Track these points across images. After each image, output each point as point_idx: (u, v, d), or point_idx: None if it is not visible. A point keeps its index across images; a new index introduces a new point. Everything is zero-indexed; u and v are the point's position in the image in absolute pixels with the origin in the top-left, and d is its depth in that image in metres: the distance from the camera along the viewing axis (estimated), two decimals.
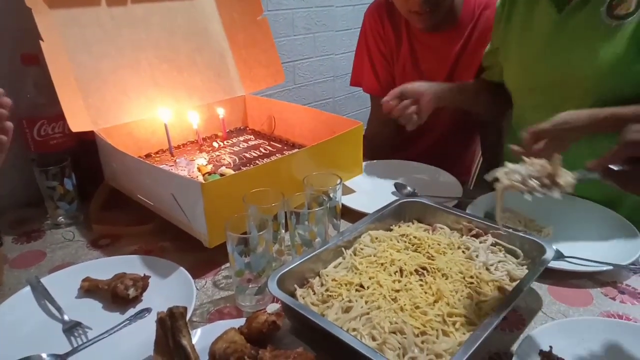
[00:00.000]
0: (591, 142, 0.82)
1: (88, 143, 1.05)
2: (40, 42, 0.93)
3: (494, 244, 0.82)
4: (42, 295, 0.76)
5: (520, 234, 0.81)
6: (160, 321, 0.58)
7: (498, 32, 1.10)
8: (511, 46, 1.05)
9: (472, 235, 0.84)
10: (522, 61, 1.03)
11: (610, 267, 0.79)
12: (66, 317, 0.72)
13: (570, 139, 0.82)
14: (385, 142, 1.44)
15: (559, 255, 0.82)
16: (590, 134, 0.84)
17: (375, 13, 1.32)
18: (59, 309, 0.74)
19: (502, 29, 1.08)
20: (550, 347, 0.61)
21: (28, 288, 0.77)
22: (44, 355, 0.64)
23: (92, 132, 1.02)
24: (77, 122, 0.98)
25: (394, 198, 0.95)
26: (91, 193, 1.06)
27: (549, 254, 0.75)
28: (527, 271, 0.75)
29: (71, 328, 0.70)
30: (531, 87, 1.02)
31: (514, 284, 0.72)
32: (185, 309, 0.59)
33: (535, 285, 0.78)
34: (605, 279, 0.81)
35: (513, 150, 0.80)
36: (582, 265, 0.81)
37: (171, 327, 0.58)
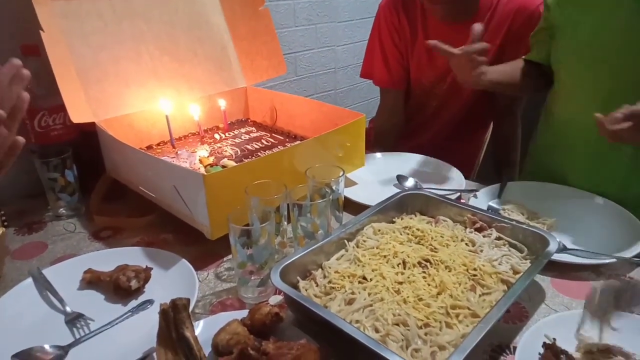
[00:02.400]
0: None
1: (89, 134, 1.04)
2: (41, 32, 0.92)
3: (498, 238, 0.81)
4: (44, 286, 0.76)
5: (524, 226, 0.81)
6: (163, 313, 0.58)
7: (553, 10, 1.04)
8: (580, 19, 0.98)
9: (476, 229, 0.84)
10: (591, 36, 0.96)
11: (614, 260, 0.79)
12: (68, 309, 0.72)
13: None
14: (393, 133, 1.44)
15: (562, 248, 0.82)
16: None
17: (391, 5, 1.30)
18: (61, 300, 0.73)
19: (562, 5, 1.02)
20: (554, 339, 0.61)
21: (30, 279, 0.77)
22: (46, 347, 0.64)
23: (93, 124, 1.01)
24: (78, 114, 0.97)
25: (397, 190, 0.95)
26: (92, 185, 1.05)
27: (552, 246, 0.74)
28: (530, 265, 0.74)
29: (73, 319, 0.70)
30: (593, 66, 0.96)
31: (518, 276, 0.72)
32: (188, 300, 0.59)
33: (538, 277, 0.78)
34: (608, 271, 0.80)
35: (599, 119, 0.78)
36: (585, 257, 0.80)
37: (174, 318, 0.58)
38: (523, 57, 1.13)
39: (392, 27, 1.31)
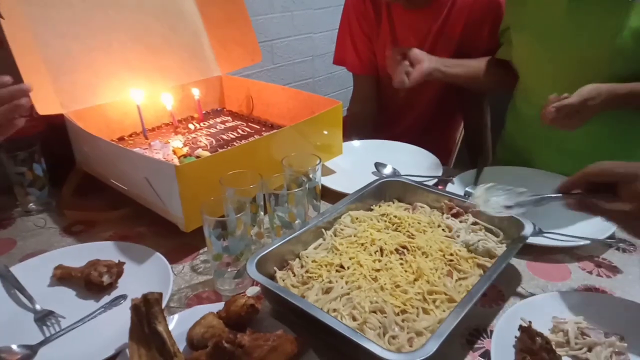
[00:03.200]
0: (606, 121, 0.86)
1: (58, 127, 1.01)
2: (1, 20, 0.88)
3: (474, 223, 0.82)
4: (12, 284, 0.73)
5: None
6: (135, 308, 0.56)
7: (510, 9, 1.08)
8: (526, 18, 1.02)
9: (453, 214, 0.84)
10: (538, 33, 0.99)
11: (588, 242, 0.80)
12: (38, 307, 0.70)
13: (590, 115, 0.83)
14: (367, 121, 1.43)
15: (537, 231, 0.83)
16: (608, 109, 0.85)
17: None
18: (30, 298, 0.71)
19: (515, 4, 1.05)
20: (530, 322, 0.61)
21: None
22: (13, 347, 0.61)
23: (62, 116, 0.98)
24: (45, 105, 0.93)
25: (375, 178, 0.94)
26: (63, 178, 1.02)
27: (527, 230, 0.75)
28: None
29: (43, 317, 0.68)
30: (545, 61, 0.99)
31: (494, 260, 0.72)
32: (161, 294, 0.57)
33: (514, 260, 0.78)
34: (582, 253, 0.81)
35: (545, 113, 0.83)
36: (560, 240, 0.81)
37: (146, 313, 0.56)
38: (495, 55, 1.16)
39: (359, 13, 1.31)
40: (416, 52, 1.08)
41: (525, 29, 1.02)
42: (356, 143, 1.23)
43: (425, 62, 1.08)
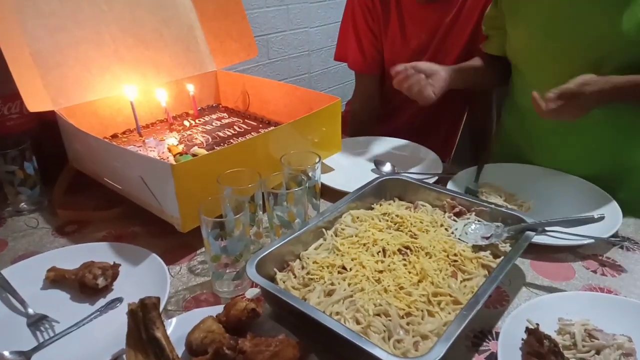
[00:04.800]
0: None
1: (50, 124, 0.98)
2: None
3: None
4: (3, 287, 0.71)
5: (502, 209, 0.80)
6: (132, 313, 0.54)
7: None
8: (524, 9, 0.98)
9: (455, 213, 0.82)
10: (537, 26, 0.96)
11: (592, 240, 0.79)
12: (30, 311, 0.68)
13: (588, 104, 0.83)
14: (369, 117, 1.41)
15: (541, 230, 0.81)
16: (608, 100, 0.84)
17: None
18: (22, 302, 0.69)
19: None
20: (537, 324, 0.60)
21: None
22: (5, 353, 0.59)
23: (53, 112, 0.95)
24: (35, 102, 0.91)
25: (374, 175, 0.93)
26: (55, 177, 1.00)
27: (532, 228, 0.74)
28: (510, 249, 0.73)
29: (36, 322, 0.66)
30: (545, 55, 0.96)
31: (498, 260, 0.71)
32: (158, 299, 0.56)
33: (517, 260, 0.77)
34: (586, 252, 0.80)
35: (536, 99, 0.83)
36: (563, 239, 0.80)
37: (143, 319, 0.54)
38: (482, 48, 1.13)
39: (365, 9, 1.28)
40: (427, 64, 1.01)
41: (523, 20, 0.98)
42: (355, 140, 1.21)
43: (441, 70, 1.01)
